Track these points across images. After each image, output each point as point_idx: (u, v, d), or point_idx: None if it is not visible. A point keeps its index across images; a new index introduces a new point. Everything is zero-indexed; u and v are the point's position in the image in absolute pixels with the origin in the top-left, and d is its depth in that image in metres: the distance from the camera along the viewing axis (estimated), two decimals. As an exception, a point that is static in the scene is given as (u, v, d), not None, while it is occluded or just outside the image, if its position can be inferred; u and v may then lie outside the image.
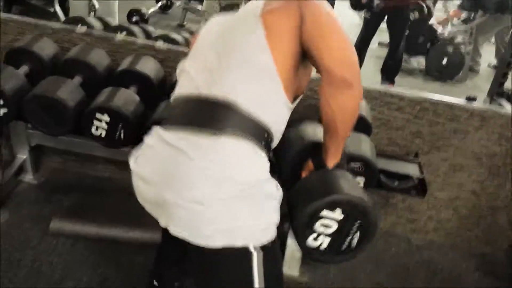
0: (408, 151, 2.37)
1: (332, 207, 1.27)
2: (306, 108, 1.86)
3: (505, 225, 2.56)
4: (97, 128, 1.83)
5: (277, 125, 1.27)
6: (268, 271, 1.19)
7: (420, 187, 2.02)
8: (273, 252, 1.22)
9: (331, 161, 1.40)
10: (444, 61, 5.40)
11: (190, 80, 1.29)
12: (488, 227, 2.58)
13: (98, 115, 1.80)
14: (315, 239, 1.31)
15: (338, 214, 1.28)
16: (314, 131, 1.58)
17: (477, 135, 2.34)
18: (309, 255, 1.37)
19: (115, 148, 1.89)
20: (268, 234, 1.20)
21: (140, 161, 1.26)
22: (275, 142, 1.30)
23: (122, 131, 1.83)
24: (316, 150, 1.43)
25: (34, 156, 2.43)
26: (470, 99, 2.31)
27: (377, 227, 1.35)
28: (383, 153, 2.18)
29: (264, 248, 1.18)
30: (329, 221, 1.29)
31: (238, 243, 1.15)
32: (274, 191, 1.22)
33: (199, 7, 5.79)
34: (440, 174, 2.46)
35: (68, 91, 1.84)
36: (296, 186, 1.40)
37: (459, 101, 2.32)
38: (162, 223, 1.21)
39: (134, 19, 4.86)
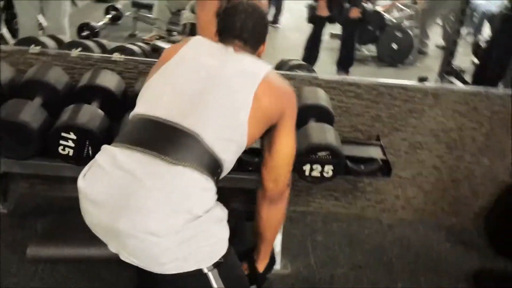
0: (369, 135, 2.47)
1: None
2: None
3: (468, 195, 2.71)
4: (64, 148, 1.81)
5: (229, 164, 1.36)
6: (226, 282, 1.25)
7: (385, 168, 2.11)
8: (227, 263, 1.27)
9: (261, 264, 1.66)
10: (394, 46, 5.58)
11: (158, 102, 1.30)
12: (453, 199, 2.71)
13: (64, 134, 1.79)
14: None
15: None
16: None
17: (432, 113, 2.46)
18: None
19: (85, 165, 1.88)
20: (220, 251, 1.25)
21: (89, 181, 1.24)
22: (223, 175, 1.37)
23: (90, 147, 1.82)
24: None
25: (1, 185, 2.38)
26: (422, 79, 2.43)
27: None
28: (346, 140, 2.27)
29: (216, 265, 1.23)
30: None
31: (191, 268, 1.20)
32: (221, 214, 1.28)
33: (150, 15, 5.78)
34: (402, 154, 2.57)
35: (31, 113, 1.83)
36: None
37: (412, 82, 2.43)
38: (113, 249, 1.24)
39: (84, 33, 4.79)
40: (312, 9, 4.70)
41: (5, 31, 4.25)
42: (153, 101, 1.33)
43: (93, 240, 2.10)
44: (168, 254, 1.16)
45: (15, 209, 2.41)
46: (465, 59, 5.56)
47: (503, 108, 2.47)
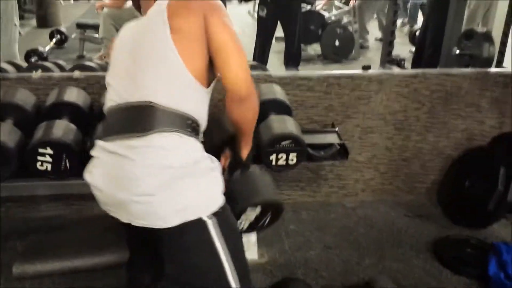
0: (325, 125, 2.65)
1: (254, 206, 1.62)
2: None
3: (419, 172, 2.93)
4: (42, 163, 1.90)
5: (198, 111, 1.41)
6: (224, 231, 1.37)
7: (343, 151, 2.29)
8: (225, 214, 1.39)
9: (244, 151, 1.63)
10: (336, 43, 5.84)
11: (114, 91, 1.42)
12: (406, 177, 2.93)
13: (40, 150, 1.87)
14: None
15: (258, 210, 1.63)
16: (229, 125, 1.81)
17: (378, 98, 2.67)
18: None
19: (64, 179, 1.97)
20: (216, 201, 1.37)
21: (91, 173, 1.40)
22: (202, 125, 1.46)
23: (67, 160, 1.91)
24: (232, 141, 1.66)
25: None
26: (366, 67, 2.64)
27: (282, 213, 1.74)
28: (305, 130, 2.43)
29: (215, 214, 1.35)
30: (251, 216, 1.63)
31: (191, 217, 1.32)
32: (210, 164, 1.39)
33: (96, 35, 5.81)
34: (356, 139, 2.77)
35: (5, 133, 1.90)
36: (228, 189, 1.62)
37: (357, 71, 2.64)
38: (124, 219, 1.36)
39: (33, 59, 4.78)
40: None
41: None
42: (109, 94, 1.46)
43: (75, 252, 2.21)
44: (166, 207, 1.30)
45: (-7, 233, 2.43)
46: (405, 48, 5.93)
47: (440, 87, 2.72)
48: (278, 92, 2.31)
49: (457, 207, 2.75)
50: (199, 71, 1.37)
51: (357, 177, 2.89)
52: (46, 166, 1.91)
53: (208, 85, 1.43)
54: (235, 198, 1.56)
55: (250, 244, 2.37)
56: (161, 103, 1.33)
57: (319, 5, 6.61)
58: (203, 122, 1.46)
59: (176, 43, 1.33)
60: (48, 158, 1.89)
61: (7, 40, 3.69)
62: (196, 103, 1.41)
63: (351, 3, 6.32)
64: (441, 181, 2.92)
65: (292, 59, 5.06)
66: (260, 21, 4.87)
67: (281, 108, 2.22)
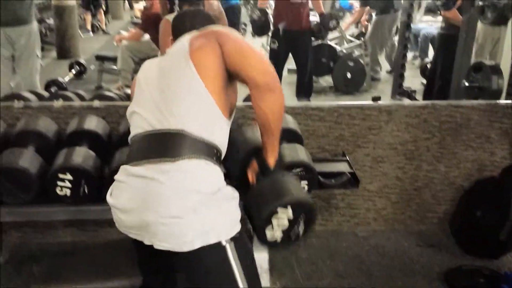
0: (335, 153, 2.70)
1: (284, 207, 1.54)
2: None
3: (430, 201, 2.94)
4: (61, 189, 1.97)
5: (221, 140, 1.52)
6: (241, 255, 1.44)
7: (353, 180, 2.33)
8: (242, 239, 1.46)
9: (271, 158, 1.61)
10: (348, 75, 5.94)
11: (142, 120, 1.51)
12: (417, 206, 2.95)
13: (60, 175, 1.95)
14: (271, 234, 1.57)
15: (289, 212, 1.55)
16: (254, 136, 1.83)
17: (389, 128, 2.72)
18: (268, 246, 1.78)
19: (81, 204, 2.03)
20: (235, 227, 1.45)
21: (114, 195, 1.47)
22: (223, 154, 1.56)
23: (85, 186, 1.98)
24: (258, 151, 1.68)
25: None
26: (376, 99, 2.70)
27: (316, 218, 1.67)
28: (316, 159, 2.48)
29: (233, 239, 1.42)
30: (283, 219, 1.55)
31: (212, 240, 1.38)
32: (232, 193, 1.48)
33: (114, 67, 5.99)
34: (367, 169, 2.81)
35: (28, 159, 1.98)
36: (250, 193, 1.64)
37: (367, 102, 2.70)
38: (146, 242, 1.42)
39: (52, 89, 4.93)
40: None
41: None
42: (136, 122, 1.55)
43: (89, 277, 2.26)
44: (191, 231, 1.36)
45: (11, 258, 2.50)
46: (416, 81, 5.99)
47: (450, 118, 2.76)
48: (289, 122, 2.37)
49: (469, 237, 2.75)
50: (223, 102, 1.49)
51: (369, 206, 2.91)
52: (66, 192, 1.97)
53: (230, 116, 1.55)
54: (264, 201, 1.55)
55: (263, 271, 2.39)
56: (191, 132, 1.43)
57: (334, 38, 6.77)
58: (224, 152, 1.55)
59: (202, 77, 1.45)
60: (68, 184, 1.96)
61: (29, 70, 3.85)
62: (220, 133, 1.52)
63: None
64: (454, 211, 2.92)
65: (303, 90, 5.17)
66: (272, 53, 4.99)
67: (292, 137, 2.27)
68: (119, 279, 2.26)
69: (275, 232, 1.56)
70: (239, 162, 1.70)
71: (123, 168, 1.49)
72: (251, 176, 1.68)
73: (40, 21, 7.77)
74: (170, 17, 3.46)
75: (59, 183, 1.96)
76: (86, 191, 1.99)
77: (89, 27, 10.20)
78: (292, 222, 1.57)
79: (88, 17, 10.24)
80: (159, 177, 1.38)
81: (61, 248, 2.59)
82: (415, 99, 4.09)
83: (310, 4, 5.06)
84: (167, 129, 1.44)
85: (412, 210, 2.95)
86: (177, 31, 1.70)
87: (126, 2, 13.85)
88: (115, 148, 2.15)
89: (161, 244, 1.39)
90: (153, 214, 1.36)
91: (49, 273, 2.32)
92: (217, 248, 1.40)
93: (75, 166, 1.96)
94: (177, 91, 1.47)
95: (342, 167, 2.43)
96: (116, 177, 1.50)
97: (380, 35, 6.48)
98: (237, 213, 1.48)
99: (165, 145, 1.43)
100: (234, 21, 6.55)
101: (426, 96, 4.73)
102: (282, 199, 1.54)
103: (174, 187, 1.37)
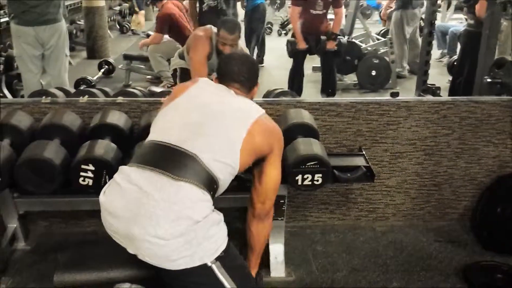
0: (353, 149, 2.72)
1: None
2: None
3: (450, 197, 2.93)
4: (84, 179, 2.06)
5: (225, 182, 1.60)
6: (230, 270, 1.51)
7: (369, 174, 2.35)
8: (228, 256, 1.52)
9: (253, 271, 1.87)
10: (373, 73, 5.91)
11: (167, 130, 1.59)
12: (437, 202, 2.94)
13: (83, 166, 2.04)
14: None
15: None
16: None
17: (407, 123, 2.72)
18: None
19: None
20: (220, 247, 1.50)
21: (108, 196, 1.52)
22: (218, 194, 1.62)
23: (107, 176, 2.06)
24: None
25: (22, 224, 2.59)
26: (394, 94, 2.71)
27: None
28: (333, 153, 2.52)
29: (218, 258, 1.48)
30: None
31: (197, 263, 1.45)
32: (217, 217, 1.53)
33: (141, 66, 6.14)
34: (385, 164, 2.82)
35: (53, 151, 2.08)
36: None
37: (386, 98, 2.70)
38: (131, 251, 1.50)
39: (82, 87, 5.09)
40: (291, 44, 5.07)
41: (6, 92, 4.57)
42: (162, 129, 1.62)
43: (112, 264, 2.33)
44: (175, 253, 1.41)
45: (37, 246, 2.62)
46: (444, 79, 5.92)
47: (470, 114, 2.74)
48: (306, 117, 2.41)
49: (489, 233, 2.73)
50: (243, 166, 1.63)
51: (387, 202, 2.92)
52: (88, 182, 2.06)
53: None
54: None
55: (278, 263, 2.44)
56: (204, 162, 1.50)
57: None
58: (220, 192, 1.63)
59: (243, 144, 1.58)
60: (90, 174, 2.05)
61: (58, 69, 4.00)
62: (227, 178, 1.60)
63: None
64: (474, 207, 2.91)
65: (328, 88, 5.20)
66: (293, 52, 5.10)
67: (308, 131, 2.31)
68: (140, 268, 2.33)
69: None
70: None
71: (124, 170, 1.54)
72: None
73: (71, 22, 8.01)
74: (199, 30, 3.55)
75: (82, 173, 2.05)
76: (108, 181, 2.07)
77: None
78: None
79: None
80: (155, 194, 1.42)
81: (85, 237, 2.70)
82: (439, 96, 4.06)
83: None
84: (184, 149, 1.51)
85: (431, 206, 2.95)
86: (223, 73, 1.82)
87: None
88: (136, 141, 2.23)
89: (144, 258, 1.46)
90: (141, 230, 1.41)
91: (73, 261, 2.40)
92: (203, 269, 1.46)
93: (97, 158, 2.05)
94: (218, 129, 1.58)
95: (358, 161, 2.45)
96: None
97: (400, 31, 6.43)
98: (222, 234, 1.53)
99: (174, 162, 1.49)
100: (259, 21, 6.61)
101: (451, 94, 4.68)
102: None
103: (166, 208, 1.41)
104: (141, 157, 1.55)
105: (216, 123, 1.59)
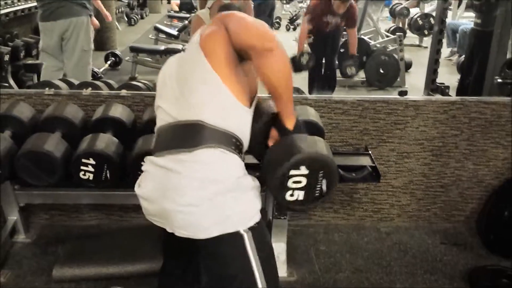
0: (359, 148, 2.67)
1: (296, 167, 1.49)
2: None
3: (457, 199, 2.88)
4: (84, 173, 2.03)
5: (241, 129, 1.50)
6: (259, 245, 1.46)
7: (375, 173, 2.31)
8: (260, 230, 1.48)
9: (289, 123, 1.56)
10: (381, 70, 5.85)
11: (164, 113, 1.55)
12: (443, 204, 2.89)
13: (84, 160, 2.01)
14: (291, 195, 1.53)
15: (303, 170, 1.50)
16: (268, 107, 1.69)
17: (415, 123, 2.67)
18: (291, 208, 1.63)
19: (104, 188, 2.09)
20: (254, 218, 1.47)
21: (141, 186, 1.52)
22: (245, 144, 1.54)
23: (107, 171, 2.04)
24: (275, 119, 1.60)
25: (23, 217, 2.58)
26: (402, 92, 2.65)
27: (337, 171, 1.60)
28: (338, 152, 2.48)
29: (251, 229, 1.44)
30: (298, 177, 1.50)
31: (230, 229, 1.41)
32: (251, 183, 1.49)
33: (148, 58, 6.11)
34: (392, 164, 2.76)
35: (53, 144, 2.05)
36: (265, 158, 1.58)
37: (393, 96, 2.65)
38: (168, 229, 1.46)
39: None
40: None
41: (12, 82, 4.57)
42: (160, 115, 1.58)
43: (112, 260, 2.32)
44: (207, 218, 1.39)
45: (38, 239, 2.60)
46: (453, 77, 5.85)
47: (479, 115, 2.69)
48: (311, 114, 2.36)
49: (496, 237, 2.68)
50: (238, 89, 1.48)
51: (393, 202, 2.87)
52: (88, 176, 2.04)
53: (249, 105, 1.54)
54: (275, 166, 1.48)
55: (280, 262, 2.40)
56: (208, 122, 1.44)
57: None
58: (245, 141, 1.55)
59: (213, 66, 1.45)
60: (91, 168, 2.02)
61: (74, 62, 4.15)
62: (239, 122, 1.51)
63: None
64: (482, 210, 2.85)
65: (328, 84, 5.20)
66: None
67: (313, 129, 2.26)
68: (140, 264, 2.32)
69: (294, 192, 1.52)
70: (258, 135, 1.59)
71: (148, 159, 1.53)
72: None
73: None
74: (201, 12, 3.50)
75: (83, 167, 2.03)
76: (108, 176, 2.05)
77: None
78: (311, 179, 1.52)
79: None
80: (177, 168, 1.41)
81: (86, 231, 2.68)
82: (448, 96, 4.00)
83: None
84: (186, 120, 1.47)
85: (437, 208, 2.90)
86: None
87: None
88: (139, 135, 2.20)
89: (180, 232, 1.43)
90: (171, 203, 1.40)
91: (73, 255, 2.40)
92: (235, 237, 1.43)
93: (98, 152, 2.02)
94: (192, 82, 1.49)
95: (364, 161, 2.40)
96: (143, 167, 1.55)
97: None
98: (256, 203, 1.49)
99: (183, 136, 1.46)
100: (267, 15, 6.56)
101: (459, 93, 4.61)
102: (290, 160, 1.48)
103: (190, 177, 1.40)
104: (157, 145, 1.54)
105: (184, 78, 1.50)
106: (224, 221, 1.41)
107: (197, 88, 1.48)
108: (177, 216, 1.41)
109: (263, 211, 1.53)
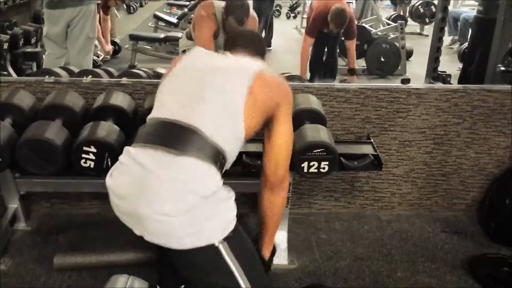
0: (361, 136, 2.66)
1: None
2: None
3: (458, 188, 2.88)
4: (85, 161, 2.02)
5: (231, 153, 1.52)
6: (237, 253, 1.45)
7: (377, 162, 2.30)
8: (236, 236, 1.46)
9: (267, 250, 1.81)
10: (382, 58, 5.82)
11: (166, 106, 1.52)
12: (445, 192, 2.89)
13: (85, 148, 2.00)
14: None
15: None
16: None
17: (417, 111, 2.66)
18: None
19: (105, 177, 2.08)
20: (228, 227, 1.44)
21: (114, 178, 1.47)
22: (227, 165, 1.55)
23: (108, 159, 2.02)
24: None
25: (24, 205, 2.57)
26: (405, 80, 2.64)
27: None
28: (340, 140, 2.47)
29: (226, 239, 1.42)
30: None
31: (203, 243, 1.39)
32: (226, 194, 1.47)
33: (147, 47, 6.07)
34: (393, 152, 2.76)
35: (54, 132, 2.04)
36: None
37: (396, 84, 2.64)
38: (137, 232, 1.43)
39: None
40: None
41: (11, 70, 4.54)
42: (161, 106, 1.55)
43: (113, 248, 2.32)
44: (182, 230, 1.36)
45: (39, 227, 2.59)
46: (454, 66, 5.82)
47: (482, 103, 2.67)
48: (313, 102, 2.35)
49: (496, 225, 2.68)
50: (249, 131, 1.53)
51: (394, 191, 2.87)
52: (89, 164, 2.03)
53: (247, 140, 1.58)
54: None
55: (281, 250, 2.41)
56: (206, 134, 1.43)
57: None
58: (230, 162, 1.56)
59: (246, 104, 1.49)
60: (92, 156, 2.01)
61: (77, 49, 4.11)
62: (233, 147, 1.52)
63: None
64: (483, 199, 2.86)
65: (329, 71, 5.19)
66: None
67: (316, 117, 2.26)
68: (140, 252, 2.32)
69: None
70: None
71: (128, 150, 1.48)
72: None
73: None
74: (202, 9, 3.45)
75: (84, 155, 2.01)
76: (110, 164, 2.03)
77: None
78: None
79: None
80: (159, 172, 1.37)
81: (87, 219, 2.67)
82: (450, 84, 3.99)
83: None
84: (186, 123, 1.44)
85: (438, 196, 2.90)
86: (230, 45, 1.78)
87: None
88: (140, 123, 2.18)
89: (151, 238, 1.40)
90: (147, 208, 1.35)
91: (74, 243, 2.39)
92: (210, 249, 1.41)
93: (99, 140, 2.01)
94: (216, 98, 1.49)
95: (366, 149, 2.39)
96: (120, 157, 1.50)
97: None
98: (231, 213, 1.48)
99: (176, 137, 1.43)
100: (268, 3, 6.51)
101: (461, 81, 4.60)
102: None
103: (171, 185, 1.36)
104: (144, 136, 1.50)
105: (212, 88, 1.50)
106: (197, 233, 1.38)
107: (217, 106, 1.49)
108: (152, 224, 1.36)
109: (238, 215, 1.52)
